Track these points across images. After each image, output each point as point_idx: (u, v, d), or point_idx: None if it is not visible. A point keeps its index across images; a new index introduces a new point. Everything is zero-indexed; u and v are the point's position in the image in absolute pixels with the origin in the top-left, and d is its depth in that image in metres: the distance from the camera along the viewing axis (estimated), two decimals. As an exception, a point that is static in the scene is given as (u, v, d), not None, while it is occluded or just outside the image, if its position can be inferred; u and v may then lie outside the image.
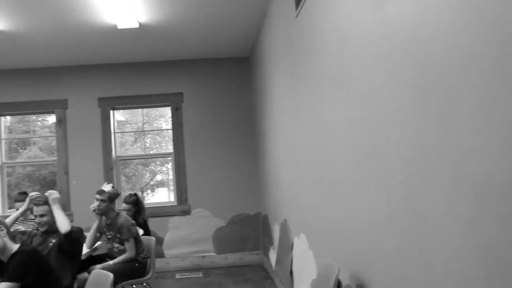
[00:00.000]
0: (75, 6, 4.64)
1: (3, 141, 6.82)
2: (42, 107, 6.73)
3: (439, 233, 1.61)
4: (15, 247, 2.83)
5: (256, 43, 6.03)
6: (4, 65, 6.56)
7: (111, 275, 3.07)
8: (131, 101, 6.72)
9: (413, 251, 1.83)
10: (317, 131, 3.21)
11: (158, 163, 7.29)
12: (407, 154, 1.82)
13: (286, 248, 4.65)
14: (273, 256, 5.59)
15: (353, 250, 2.59)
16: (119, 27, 5.18)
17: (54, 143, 7.08)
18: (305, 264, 3.81)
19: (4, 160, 6.80)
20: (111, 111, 6.72)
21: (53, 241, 3.69)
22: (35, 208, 3.75)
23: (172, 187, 6.98)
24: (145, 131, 7.08)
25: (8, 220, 4.06)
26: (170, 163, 7.08)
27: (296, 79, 3.78)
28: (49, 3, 4.56)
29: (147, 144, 7.30)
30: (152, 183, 7.33)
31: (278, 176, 5.01)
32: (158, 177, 7.38)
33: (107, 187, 4.56)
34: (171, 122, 6.79)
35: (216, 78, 6.85)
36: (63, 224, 3.58)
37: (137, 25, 5.19)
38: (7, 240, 2.81)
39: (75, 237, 3.58)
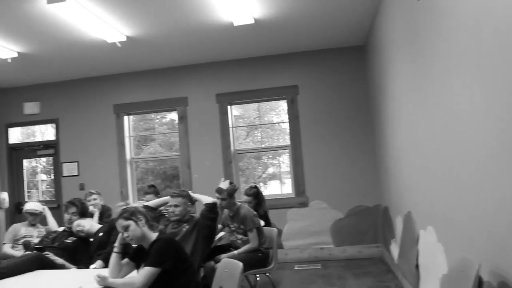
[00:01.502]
0: (193, 7, 4.86)
1: (131, 138, 7.38)
2: (165, 105, 7.17)
3: None
4: (154, 235, 3.04)
5: (371, 30, 5.86)
6: (129, 68, 7.10)
7: (240, 264, 3.15)
8: (247, 95, 6.89)
9: None
10: (447, 116, 3.02)
11: (270, 156, 7.39)
12: None
13: (411, 241, 4.47)
14: (394, 249, 5.41)
15: (493, 244, 2.40)
16: (235, 24, 5.31)
17: (172, 139, 7.51)
18: (433, 258, 3.63)
19: (132, 155, 7.36)
20: (228, 106, 6.95)
21: (186, 227, 4.14)
22: (170, 199, 4.28)
23: (284, 180, 7.05)
24: (262, 124, 7.21)
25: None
26: (282, 156, 7.16)
27: (421, 64, 3.60)
28: (168, 7, 4.83)
29: (259, 138, 7.42)
30: (264, 176, 7.44)
31: (400, 166, 4.83)
32: (270, 170, 7.47)
33: (224, 184, 4.68)
34: (282, 115, 6.86)
35: (331, 69, 6.77)
36: (208, 199, 4.27)
37: (252, 21, 5.28)
38: (146, 229, 3.02)
39: (217, 210, 4.15)
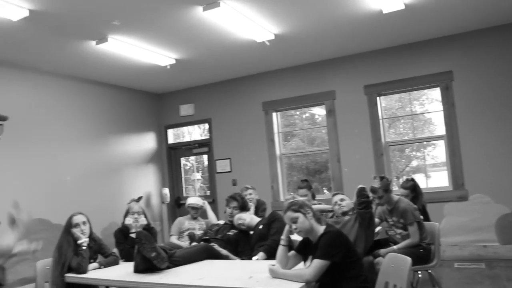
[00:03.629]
0: (339, -1, 4.80)
1: (280, 134, 7.56)
2: (312, 100, 7.21)
3: None
4: (321, 228, 3.04)
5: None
6: (276, 65, 7.29)
7: (409, 259, 3.02)
8: (397, 85, 6.61)
9: None
10: None
11: (414, 148, 7.02)
12: None
13: None
14: None
15: None
16: (385, 11, 5.12)
17: (313, 134, 7.54)
18: None
19: (282, 151, 7.53)
20: (378, 98, 6.75)
21: (347, 218, 4.29)
22: (334, 196, 4.58)
23: (429, 173, 6.69)
24: (413, 114, 6.85)
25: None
26: (428, 148, 6.78)
27: None
28: (315, 0, 4.80)
29: (401, 130, 7.09)
30: (407, 169, 7.08)
31: None
32: (414, 163, 7.09)
33: (376, 183, 4.53)
34: (426, 105, 6.52)
35: (490, 50, 6.17)
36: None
37: (403, 7, 5.06)
38: (313, 222, 3.04)
39: (365, 194, 4.13)
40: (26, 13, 4.41)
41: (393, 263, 3.21)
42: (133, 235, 4.26)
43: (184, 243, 5.15)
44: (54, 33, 5.14)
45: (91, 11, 4.61)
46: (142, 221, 4.38)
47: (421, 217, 4.75)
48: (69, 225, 4.05)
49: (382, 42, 6.44)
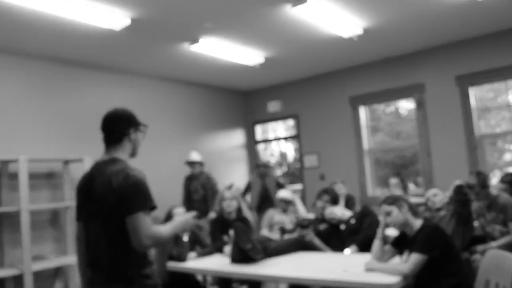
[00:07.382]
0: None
1: (368, 129, 7.48)
2: (400, 94, 7.04)
3: None
4: (418, 222, 3.04)
5: None
6: (363, 59, 7.21)
7: (515, 257, 2.93)
8: (492, 74, 6.22)
9: None
10: None
11: (508, 140, 6.60)
12: None
13: None
14: None
15: None
16: (479, -2, 4.91)
17: (398, 128, 7.36)
18: None
19: (370, 146, 7.46)
20: (470, 89, 6.45)
21: (442, 213, 4.24)
22: (432, 190, 4.57)
23: None
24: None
25: None
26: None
27: None
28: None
29: (492, 122, 6.69)
30: (499, 163, 6.69)
31: None
32: (506, 157, 6.68)
33: (472, 179, 4.40)
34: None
35: None
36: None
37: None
38: (409, 216, 3.05)
39: (463, 192, 4.06)
40: (128, 22, 4.75)
41: (495, 261, 3.12)
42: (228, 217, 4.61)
43: (275, 235, 5.28)
44: (152, 38, 5.47)
45: (186, 15, 4.84)
46: (234, 205, 4.69)
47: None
48: (170, 217, 4.34)
49: (475, 30, 6.10)
